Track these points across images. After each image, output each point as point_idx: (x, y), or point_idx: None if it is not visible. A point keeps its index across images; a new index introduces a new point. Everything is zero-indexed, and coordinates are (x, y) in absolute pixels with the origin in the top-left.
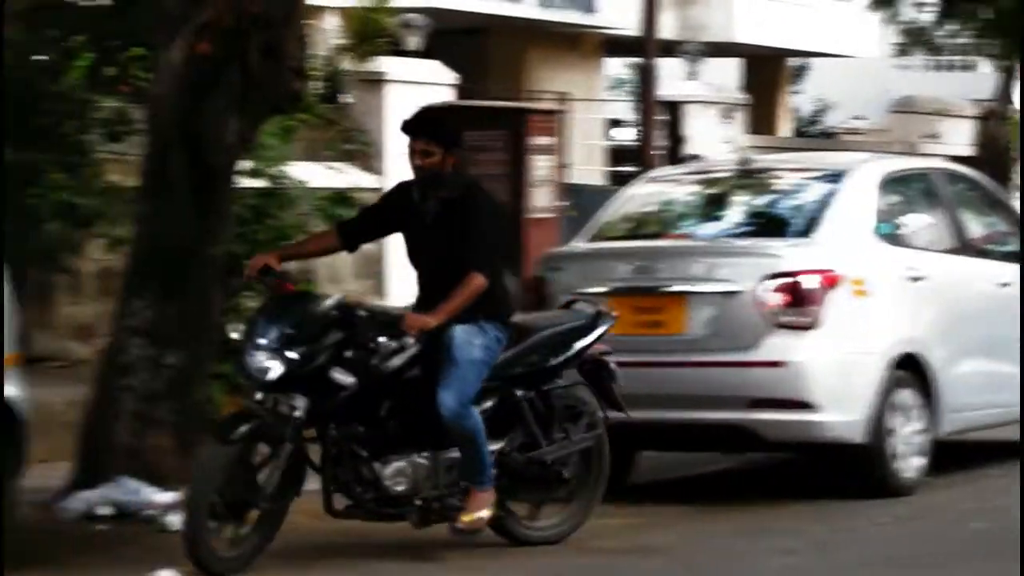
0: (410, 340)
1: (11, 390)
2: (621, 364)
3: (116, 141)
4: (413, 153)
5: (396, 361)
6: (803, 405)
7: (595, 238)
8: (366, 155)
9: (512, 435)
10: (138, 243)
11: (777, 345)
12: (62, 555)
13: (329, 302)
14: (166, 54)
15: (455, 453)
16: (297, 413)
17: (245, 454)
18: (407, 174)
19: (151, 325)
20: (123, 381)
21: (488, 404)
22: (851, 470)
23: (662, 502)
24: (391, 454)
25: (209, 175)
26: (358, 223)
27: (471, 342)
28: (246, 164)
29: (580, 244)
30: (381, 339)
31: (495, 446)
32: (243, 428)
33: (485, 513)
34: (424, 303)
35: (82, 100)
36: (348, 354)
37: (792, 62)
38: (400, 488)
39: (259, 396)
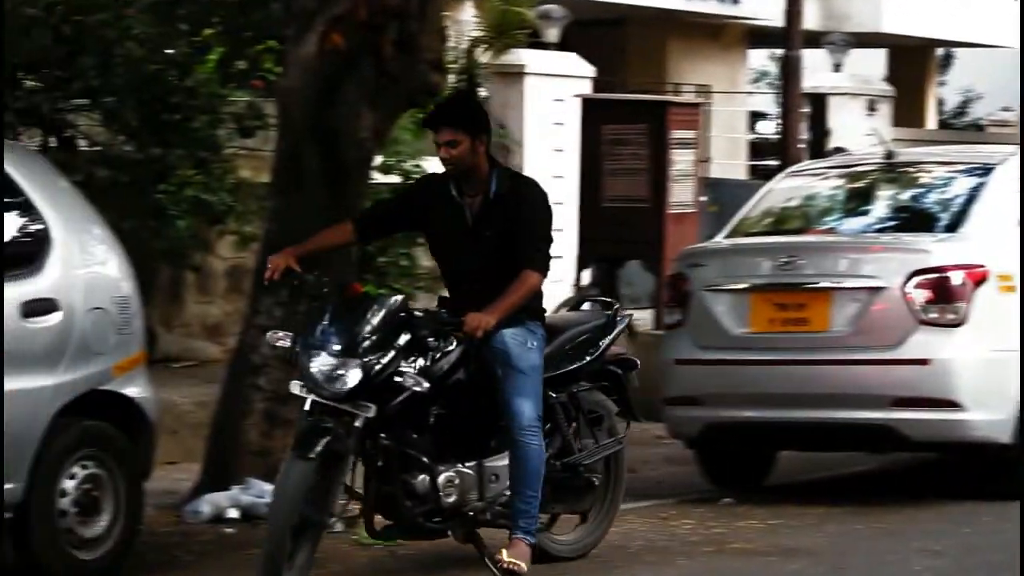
0: (453, 342)
1: (138, 391)
2: (762, 363)
3: (247, 136)
4: (439, 147)
5: (445, 364)
6: (949, 404)
7: (736, 233)
8: (504, 149)
9: (549, 440)
10: (269, 240)
11: (922, 342)
12: (190, 558)
13: (392, 303)
14: (298, 48)
15: (499, 461)
16: (358, 423)
17: (319, 470)
18: (546, 166)
19: (282, 323)
20: (253, 380)
21: None
22: (998, 471)
23: (804, 503)
24: (439, 464)
25: (342, 170)
26: (377, 217)
27: (526, 345)
28: (379, 159)
29: (721, 240)
30: (430, 340)
31: None
32: (322, 443)
33: (525, 565)
34: (456, 303)
35: (213, 94)
36: (410, 358)
37: (938, 52)
38: (450, 500)
39: (308, 406)
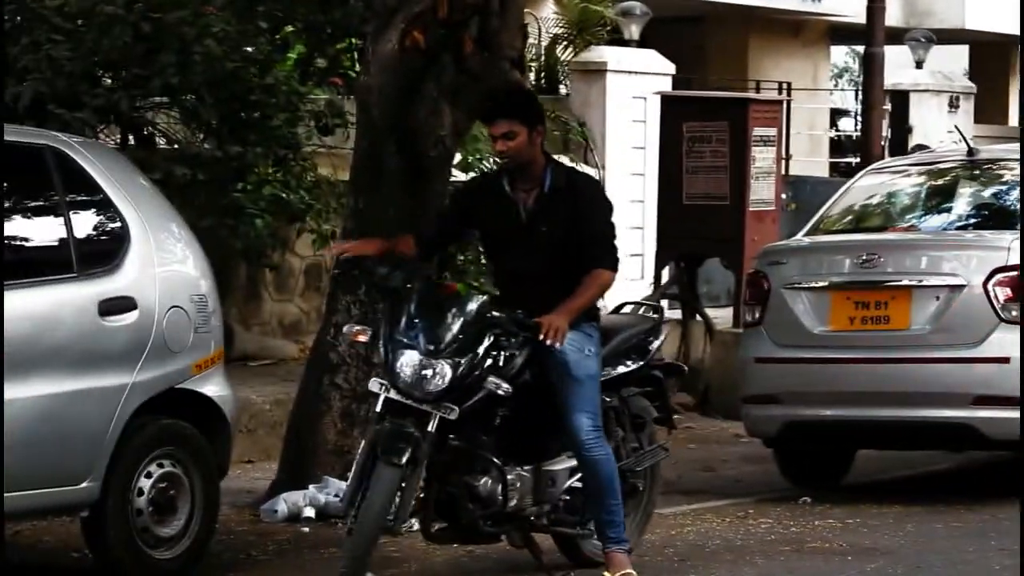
0: (523, 343)
1: (215, 389)
2: (842, 361)
3: (327, 134)
4: (495, 140)
5: (516, 365)
6: None
7: (817, 231)
8: (585, 146)
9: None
10: (348, 238)
11: (1003, 340)
12: (265, 558)
13: (479, 303)
14: (378, 45)
15: (556, 465)
16: (431, 425)
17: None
18: (626, 164)
19: (360, 321)
20: (331, 379)
21: None
22: None
23: (882, 502)
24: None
25: (422, 169)
26: (436, 231)
27: (583, 352)
28: (459, 157)
29: (801, 237)
30: (503, 340)
31: None
32: (409, 450)
33: (633, 572)
34: (509, 304)
35: (292, 92)
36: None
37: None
38: (513, 502)
39: (379, 406)
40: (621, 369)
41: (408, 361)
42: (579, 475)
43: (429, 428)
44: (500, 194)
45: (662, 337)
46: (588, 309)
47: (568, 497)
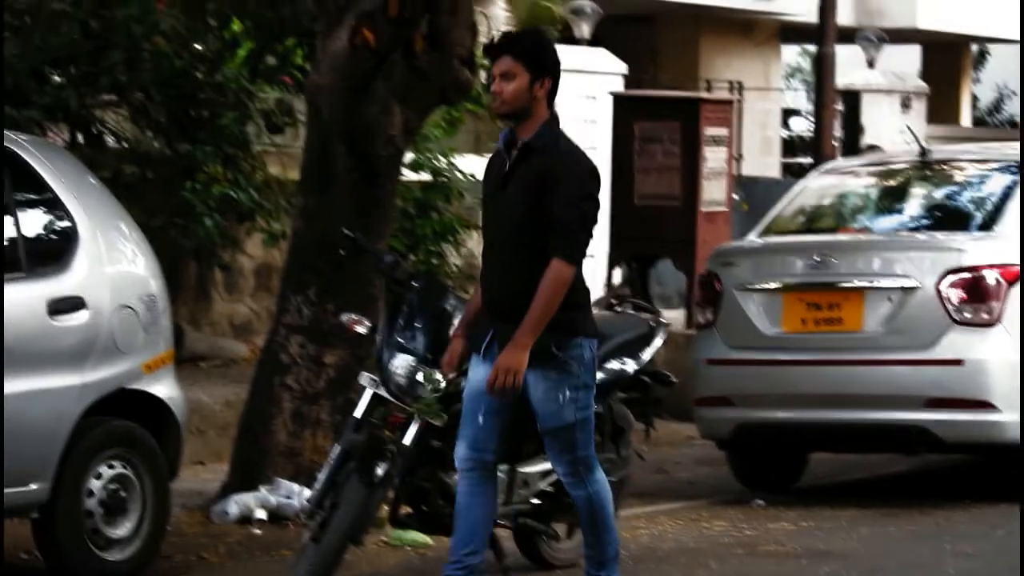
0: None
1: (166, 390)
2: (795, 363)
3: (276, 133)
4: (494, 79)
5: None
6: (982, 405)
7: (769, 232)
8: None
9: None
10: (298, 238)
11: (956, 342)
12: (216, 560)
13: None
14: (328, 43)
15: (531, 467)
16: (415, 426)
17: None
18: None
19: (311, 322)
20: (282, 380)
21: None
22: None
23: (836, 505)
24: None
25: (372, 168)
26: None
27: (558, 401)
28: (409, 156)
29: (753, 238)
30: None
31: None
32: (383, 468)
33: None
34: (484, 281)
35: (242, 90)
36: None
37: (973, 48)
38: None
39: (367, 401)
40: (611, 374)
41: (403, 364)
42: (552, 479)
43: (409, 435)
44: (497, 150)
45: (657, 343)
46: (568, 326)
47: (539, 501)
